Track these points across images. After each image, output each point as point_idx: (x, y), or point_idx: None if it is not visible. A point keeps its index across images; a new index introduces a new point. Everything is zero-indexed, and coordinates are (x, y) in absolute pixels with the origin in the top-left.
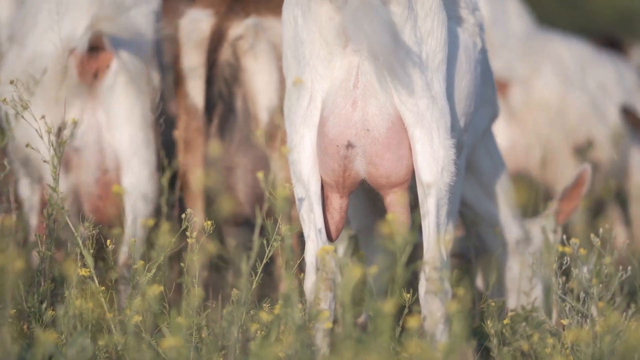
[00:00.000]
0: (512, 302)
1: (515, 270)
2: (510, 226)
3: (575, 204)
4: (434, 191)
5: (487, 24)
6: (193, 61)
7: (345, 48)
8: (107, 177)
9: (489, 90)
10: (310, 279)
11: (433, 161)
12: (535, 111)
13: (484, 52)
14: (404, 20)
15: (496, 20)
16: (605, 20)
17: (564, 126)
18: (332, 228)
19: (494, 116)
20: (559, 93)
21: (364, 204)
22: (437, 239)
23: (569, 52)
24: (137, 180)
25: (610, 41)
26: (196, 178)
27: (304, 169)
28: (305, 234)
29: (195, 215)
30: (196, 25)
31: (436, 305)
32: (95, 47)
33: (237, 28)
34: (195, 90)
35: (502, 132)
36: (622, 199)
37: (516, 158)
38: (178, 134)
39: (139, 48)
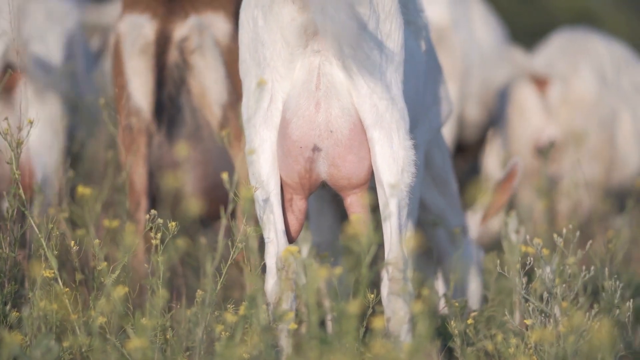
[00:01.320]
0: (456, 294)
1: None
2: (456, 219)
3: (505, 198)
4: (395, 192)
5: (449, 25)
6: (138, 66)
7: (306, 48)
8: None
9: (439, 89)
10: (271, 281)
11: (393, 162)
12: (572, 108)
13: (429, 53)
14: (366, 21)
15: (458, 23)
16: (564, 19)
17: (598, 123)
18: (293, 229)
19: (447, 114)
20: (596, 91)
21: (327, 215)
22: (399, 239)
23: (607, 52)
24: (43, 176)
25: None
26: (139, 177)
27: (263, 170)
28: (266, 236)
29: (139, 215)
30: (139, 31)
31: (399, 306)
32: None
33: (182, 29)
34: (139, 92)
35: (539, 127)
36: None
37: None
38: (119, 137)
39: (47, 66)
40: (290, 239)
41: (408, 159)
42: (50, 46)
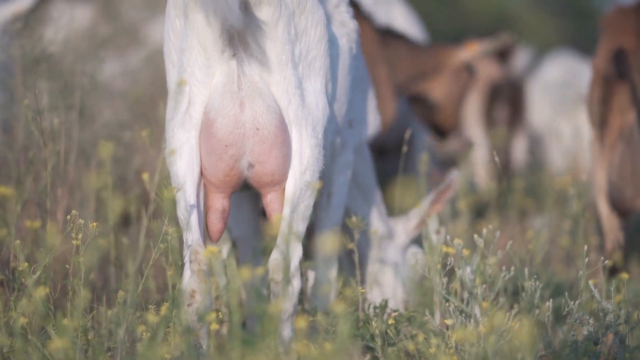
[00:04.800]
0: (375, 296)
1: (377, 266)
2: (377, 223)
3: (439, 207)
4: (292, 190)
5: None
6: None
7: (224, 53)
8: None
9: (368, 100)
10: (186, 277)
11: (298, 160)
12: None
13: (358, 58)
14: (275, 19)
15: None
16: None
17: None
18: (216, 228)
19: (374, 127)
20: None
21: (245, 209)
22: (285, 238)
23: None
24: None
25: None
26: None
27: (180, 170)
28: (185, 236)
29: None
30: None
31: (280, 305)
32: None
33: None
34: None
35: None
36: None
37: None
38: None
39: None
40: (213, 238)
41: (312, 157)
42: None
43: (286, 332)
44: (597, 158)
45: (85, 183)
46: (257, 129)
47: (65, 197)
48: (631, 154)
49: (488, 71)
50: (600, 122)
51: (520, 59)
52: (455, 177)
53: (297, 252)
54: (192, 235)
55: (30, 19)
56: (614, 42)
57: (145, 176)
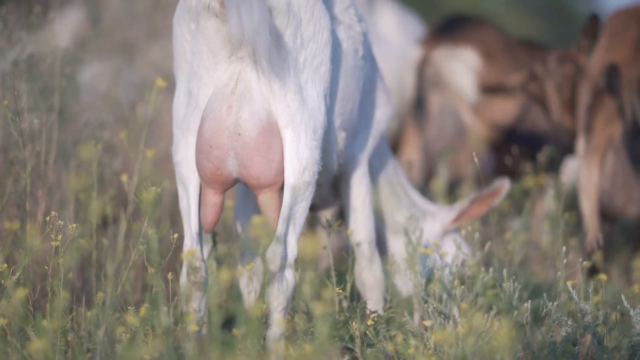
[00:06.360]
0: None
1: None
2: (406, 211)
3: (482, 212)
4: (291, 189)
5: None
6: None
7: (231, 57)
8: None
9: (380, 95)
10: (184, 278)
11: (297, 161)
12: None
13: (366, 59)
14: (283, 26)
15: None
16: None
17: None
18: (208, 221)
19: (390, 117)
20: None
21: (250, 203)
22: (285, 233)
23: None
24: None
25: None
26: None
27: (184, 170)
28: (185, 231)
29: None
30: None
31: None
32: None
33: None
34: None
35: None
36: None
37: None
38: None
39: None
40: (206, 230)
41: (312, 158)
42: None
43: (276, 326)
44: (583, 160)
45: (65, 184)
46: (239, 134)
47: (45, 198)
48: (621, 164)
49: None
50: (587, 128)
51: None
52: (504, 185)
53: (293, 248)
54: (192, 240)
55: (9, 20)
56: (610, 52)
57: (124, 177)
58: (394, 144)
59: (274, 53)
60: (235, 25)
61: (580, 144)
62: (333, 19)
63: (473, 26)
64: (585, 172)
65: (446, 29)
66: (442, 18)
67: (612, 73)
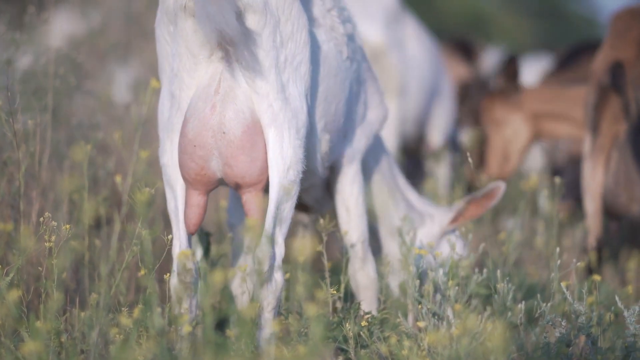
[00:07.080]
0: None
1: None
2: (402, 212)
3: (477, 214)
4: (276, 188)
5: (384, 45)
6: None
7: (211, 57)
8: None
9: (372, 96)
10: (174, 279)
11: (281, 160)
12: None
13: (353, 60)
14: (261, 25)
15: (393, 42)
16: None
17: None
18: (191, 222)
19: (382, 119)
20: None
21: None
22: (273, 233)
23: None
24: None
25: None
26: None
27: (171, 172)
28: (174, 233)
29: None
30: None
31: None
32: None
33: None
34: None
35: None
36: None
37: None
38: None
39: None
40: (190, 231)
41: (296, 157)
42: None
43: (267, 327)
44: (589, 159)
45: (59, 185)
46: (224, 132)
47: (39, 199)
48: (625, 162)
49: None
50: (593, 127)
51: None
52: (499, 187)
53: (281, 248)
54: (180, 241)
55: (3, 20)
56: (614, 51)
57: (118, 178)
58: (413, 148)
59: (251, 48)
60: (200, 12)
61: (586, 143)
62: (313, 20)
63: None
64: (590, 172)
65: None
66: None
67: (616, 72)
